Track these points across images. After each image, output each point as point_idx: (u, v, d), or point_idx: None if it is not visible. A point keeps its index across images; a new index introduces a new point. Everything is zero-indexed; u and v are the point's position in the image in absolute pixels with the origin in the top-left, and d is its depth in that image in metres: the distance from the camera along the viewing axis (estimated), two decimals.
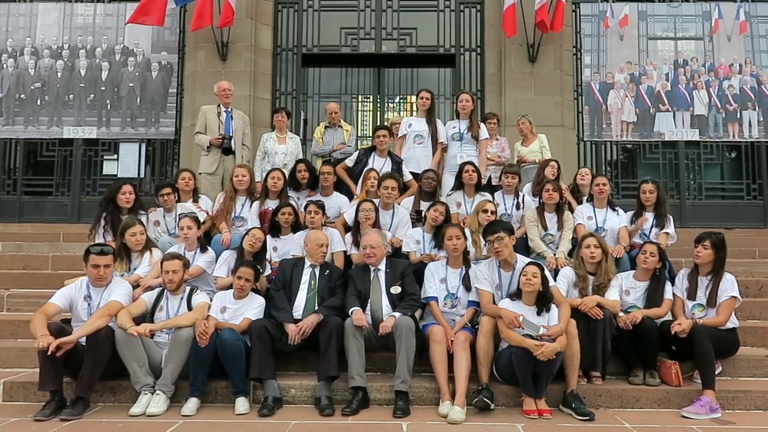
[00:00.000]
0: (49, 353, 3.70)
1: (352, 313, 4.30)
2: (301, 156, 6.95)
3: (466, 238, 4.70)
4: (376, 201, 5.48)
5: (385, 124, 8.25)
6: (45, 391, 3.89)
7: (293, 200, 5.75)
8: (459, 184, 5.86)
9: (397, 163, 6.23)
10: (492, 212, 5.22)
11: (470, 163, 5.88)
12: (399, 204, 5.68)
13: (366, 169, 6.02)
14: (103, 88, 9.28)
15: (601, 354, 4.24)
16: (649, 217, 5.46)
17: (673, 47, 9.28)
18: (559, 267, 4.89)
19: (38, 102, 9.26)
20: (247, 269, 4.42)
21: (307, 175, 5.99)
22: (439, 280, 4.56)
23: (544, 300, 4.15)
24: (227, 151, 6.74)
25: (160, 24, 8.57)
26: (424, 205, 5.68)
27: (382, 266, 4.62)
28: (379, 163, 6.19)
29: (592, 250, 4.53)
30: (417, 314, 4.55)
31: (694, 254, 4.54)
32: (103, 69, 9.30)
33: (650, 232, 5.39)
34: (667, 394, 4.15)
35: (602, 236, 5.31)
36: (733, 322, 4.44)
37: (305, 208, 5.20)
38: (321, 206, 5.18)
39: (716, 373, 4.21)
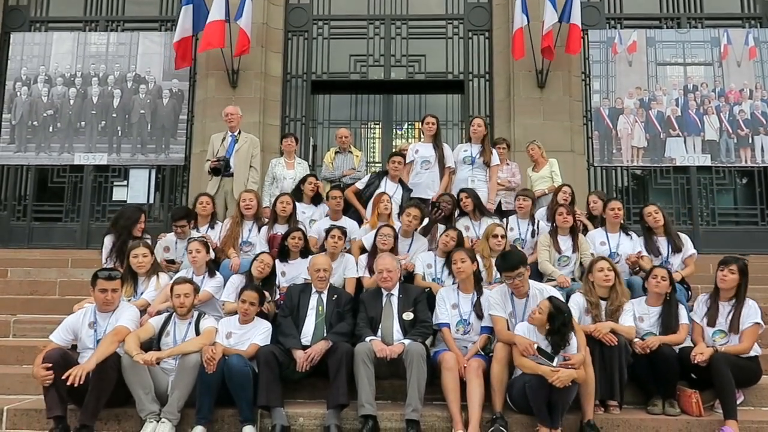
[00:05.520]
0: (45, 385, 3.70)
1: (371, 342, 4.21)
2: None
3: (475, 261, 4.64)
4: (396, 226, 5.44)
5: (395, 150, 8.22)
6: (53, 416, 3.81)
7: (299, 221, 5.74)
8: (461, 210, 5.85)
9: (408, 191, 6.23)
10: (502, 236, 5.16)
11: (464, 190, 5.89)
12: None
13: (377, 192, 5.99)
14: (114, 115, 9.34)
15: (618, 382, 4.11)
16: (662, 242, 5.37)
17: (683, 73, 9.26)
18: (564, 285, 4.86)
19: (50, 129, 9.34)
20: (251, 293, 4.37)
21: (315, 189, 6.14)
22: (450, 306, 4.48)
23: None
24: (216, 171, 6.79)
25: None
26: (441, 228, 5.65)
27: (396, 291, 4.56)
28: (391, 188, 6.18)
29: (605, 273, 4.44)
30: (428, 341, 4.45)
31: (718, 278, 4.42)
32: (114, 96, 9.39)
33: (668, 255, 5.28)
34: (688, 425, 4.02)
35: (616, 262, 5.27)
36: (755, 350, 4.32)
37: (328, 232, 5.16)
38: (345, 232, 5.15)
39: (738, 402, 4.08)
